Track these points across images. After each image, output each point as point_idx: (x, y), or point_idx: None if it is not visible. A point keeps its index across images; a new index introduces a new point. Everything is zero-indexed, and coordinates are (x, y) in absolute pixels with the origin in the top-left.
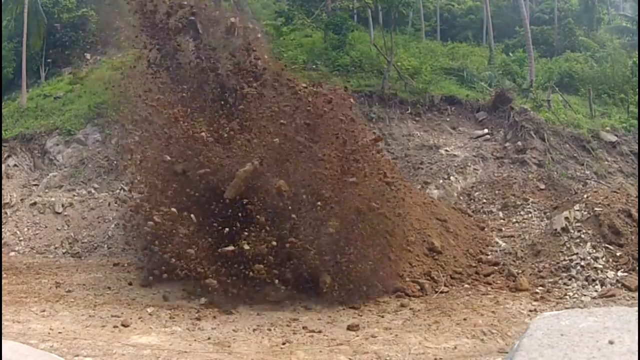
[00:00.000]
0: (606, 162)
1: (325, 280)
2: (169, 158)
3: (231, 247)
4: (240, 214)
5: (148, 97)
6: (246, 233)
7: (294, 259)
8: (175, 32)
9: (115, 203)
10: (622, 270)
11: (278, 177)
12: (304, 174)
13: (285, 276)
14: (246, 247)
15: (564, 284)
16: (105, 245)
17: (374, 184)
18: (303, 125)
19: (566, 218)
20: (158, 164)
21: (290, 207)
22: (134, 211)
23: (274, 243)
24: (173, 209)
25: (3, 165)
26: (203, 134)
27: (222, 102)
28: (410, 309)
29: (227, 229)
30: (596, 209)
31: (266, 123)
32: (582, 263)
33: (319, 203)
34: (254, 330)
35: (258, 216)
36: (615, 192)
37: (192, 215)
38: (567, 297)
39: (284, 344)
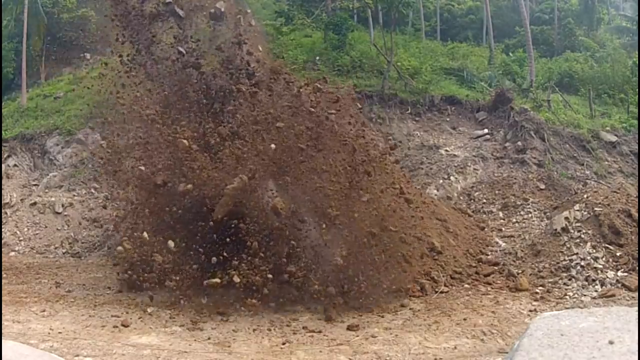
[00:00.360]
0: (606, 162)
1: (330, 315)
2: (143, 169)
3: (217, 280)
4: (229, 239)
5: (121, 97)
6: (236, 261)
7: (294, 291)
8: (150, 20)
9: (87, 221)
10: (622, 270)
11: (274, 193)
12: (305, 189)
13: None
14: (236, 279)
15: (564, 284)
16: (105, 246)
17: (389, 200)
18: (304, 130)
19: (566, 218)
20: (135, 175)
21: (288, 230)
22: (114, 230)
23: (270, 276)
24: (144, 234)
25: (3, 165)
26: (185, 141)
27: (208, 104)
28: (410, 309)
29: (214, 258)
30: (596, 209)
31: (260, 128)
32: (582, 263)
33: (323, 225)
34: (254, 330)
35: (250, 241)
36: (615, 192)
37: (170, 242)
38: (567, 297)
39: (284, 344)
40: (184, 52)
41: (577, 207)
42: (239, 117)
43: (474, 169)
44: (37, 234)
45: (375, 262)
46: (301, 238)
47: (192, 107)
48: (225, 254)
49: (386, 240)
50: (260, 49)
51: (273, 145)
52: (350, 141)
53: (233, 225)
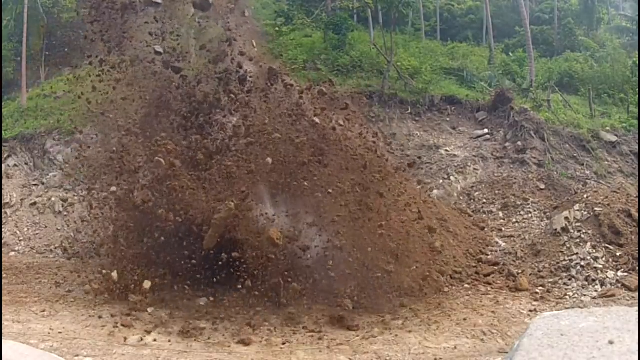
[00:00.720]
0: (606, 162)
1: (340, 317)
2: (115, 189)
3: (203, 325)
4: (219, 276)
5: (92, 103)
6: (228, 302)
7: (296, 338)
8: (123, 12)
9: (64, 248)
10: (622, 270)
11: (271, 217)
12: (308, 210)
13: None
14: (227, 325)
15: (564, 284)
16: (106, 246)
17: (407, 229)
18: (306, 143)
19: (566, 218)
20: (111, 194)
21: (288, 260)
22: (95, 253)
23: (266, 323)
24: (114, 274)
25: (3, 165)
26: (162, 160)
27: (192, 114)
28: (410, 309)
29: (201, 302)
30: (596, 209)
31: (254, 140)
32: (582, 263)
33: (330, 261)
34: (254, 330)
35: (244, 278)
36: (615, 192)
37: (146, 283)
38: (567, 297)
39: (283, 344)
40: (162, 51)
41: (577, 207)
42: (228, 129)
43: (474, 169)
44: (37, 234)
45: (390, 301)
46: (302, 268)
47: (174, 117)
48: (214, 296)
49: (404, 275)
50: (255, 45)
51: (269, 160)
52: (360, 156)
53: (224, 258)
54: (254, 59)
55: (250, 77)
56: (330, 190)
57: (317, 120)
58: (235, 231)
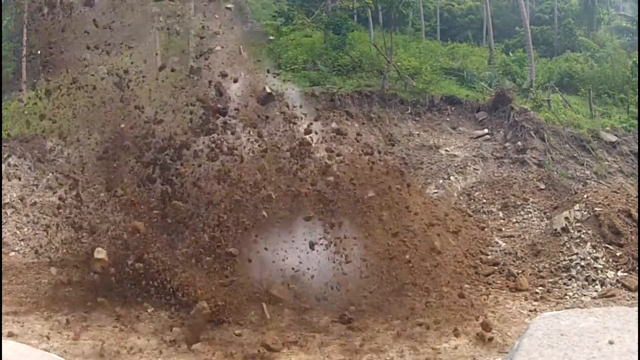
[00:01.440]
0: (606, 162)
1: (346, 318)
2: (53, 270)
3: (203, 325)
4: None
5: (29, 141)
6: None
7: (296, 338)
8: (50, 14)
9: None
10: (622, 270)
11: (268, 280)
12: (314, 275)
13: None
14: (228, 325)
15: (564, 284)
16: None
17: (452, 310)
18: (313, 195)
19: (566, 218)
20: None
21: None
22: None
23: None
24: None
25: (3, 165)
26: (102, 250)
27: (155, 164)
28: (410, 309)
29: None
30: (596, 209)
31: (241, 199)
32: (582, 263)
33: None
34: (254, 330)
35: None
36: (615, 192)
37: None
38: (567, 297)
39: (283, 344)
40: (107, 72)
41: (577, 207)
42: (204, 183)
43: (474, 169)
44: (37, 234)
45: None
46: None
47: (135, 163)
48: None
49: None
50: (242, 51)
51: (265, 214)
52: (385, 212)
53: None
54: (241, 77)
55: (236, 108)
56: (345, 254)
57: (331, 178)
58: (225, 305)
